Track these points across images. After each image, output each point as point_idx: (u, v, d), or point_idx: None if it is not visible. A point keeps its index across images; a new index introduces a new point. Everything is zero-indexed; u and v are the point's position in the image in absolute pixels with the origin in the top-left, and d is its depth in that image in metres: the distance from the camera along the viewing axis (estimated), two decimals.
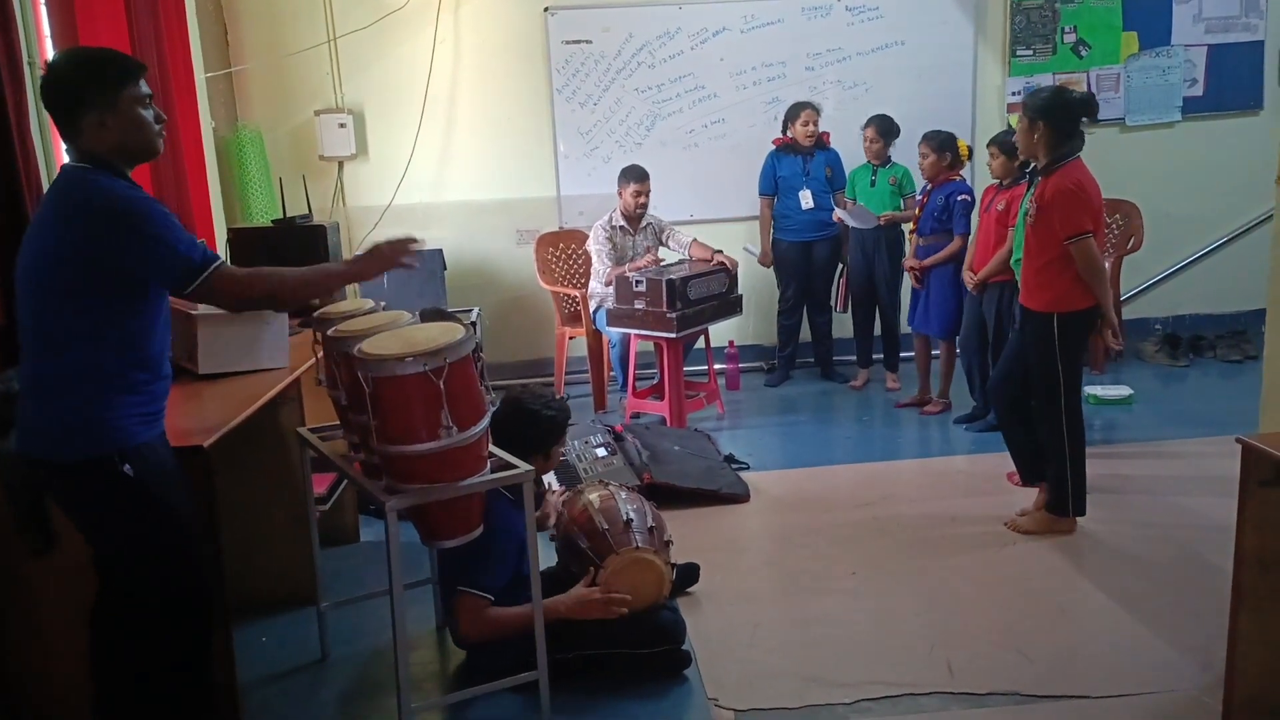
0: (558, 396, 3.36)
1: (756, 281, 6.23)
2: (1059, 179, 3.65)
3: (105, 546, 2.40)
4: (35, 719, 2.75)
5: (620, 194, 5.66)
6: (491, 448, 2.76)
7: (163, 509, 2.36)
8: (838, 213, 5.78)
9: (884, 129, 5.65)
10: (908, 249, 5.58)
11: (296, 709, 2.99)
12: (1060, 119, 3.65)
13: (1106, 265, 3.68)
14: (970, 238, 5.13)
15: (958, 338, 5.26)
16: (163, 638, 2.40)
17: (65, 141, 2.34)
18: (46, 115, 3.41)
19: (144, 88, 2.33)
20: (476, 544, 2.75)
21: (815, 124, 5.85)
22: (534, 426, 3.13)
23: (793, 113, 5.88)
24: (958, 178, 5.32)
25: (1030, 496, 4.08)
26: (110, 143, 2.28)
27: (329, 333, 2.77)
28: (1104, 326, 3.80)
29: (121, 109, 2.28)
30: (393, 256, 2.56)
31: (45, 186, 3.27)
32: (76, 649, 2.66)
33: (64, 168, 2.36)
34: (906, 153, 5.71)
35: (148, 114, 2.32)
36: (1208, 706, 2.72)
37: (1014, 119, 4.83)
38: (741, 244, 6.10)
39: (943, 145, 5.22)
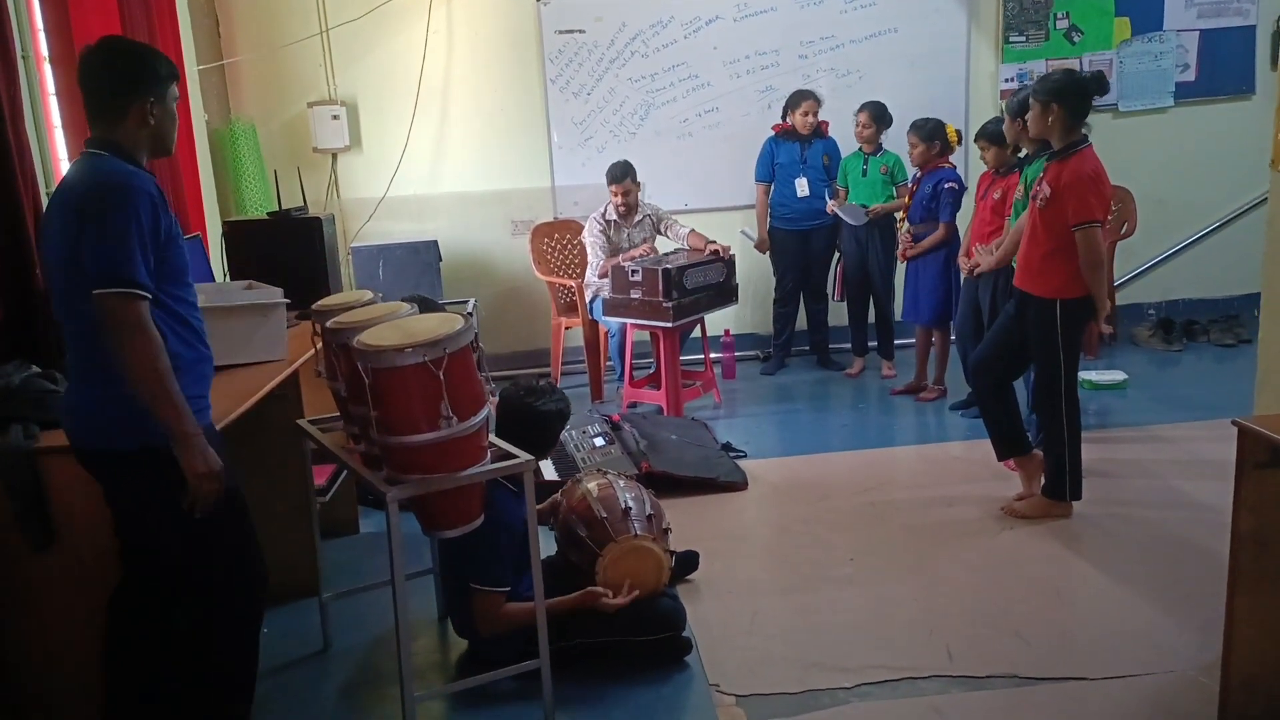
0: (548, 382, 3.34)
1: (752, 270, 6.24)
2: (1077, 164, 3.64)
3: (156, 537, 2.39)
4: (39, 714, 2.75)
5: (608, 191, 5.68)
6: (491, 437, 2.77)
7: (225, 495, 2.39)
8: (830, 205, 5.79)
9: (877, 114, 5.67)
10: (900, 237, 5.60)
11: (300, 699, 3.00)
12: (1075, 100, 3.64)
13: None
14: (965, 224, 5.15)
15: (953, 324, 5.28)
16: (207, 627, 2.42)
17: (97, 125, 2.36)
18: (41, 109, 3.45)
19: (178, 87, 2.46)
20: (483, 538, 2.76)
21: (815, 115, 5.85)
22: (540, 426, 3.12)
23: (794, 101, 5.87)
24: (947, 165, 5.34)
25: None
26: (147, 133, 2.37)
27: (328, 324, 2.77)
28: (1097, 315, 3.80)
29: (168, 103, 2.39)
30: (199, 478, 2.32)
31: (40, 180, 3.27)
32: (80, 644, 2.67)
33: (84, 154, 2.38)
34: (898, 141, 5.73)
35: (175, 110, 2.45)
36: (1204, 687, 2.75)
37: (1004, 105, 4.81)
38: (737, 230, 6.10)
39: (931, 134, 5.24)
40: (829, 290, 6.11)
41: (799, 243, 6.01)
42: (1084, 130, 3.71)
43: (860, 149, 5.79)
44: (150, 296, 2.25)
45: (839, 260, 6.02)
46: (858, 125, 5.71)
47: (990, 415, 4.10)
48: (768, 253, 6.11)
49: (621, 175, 5.59)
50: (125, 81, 2.34)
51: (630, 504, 3.22)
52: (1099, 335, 6.01)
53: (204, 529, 2.37)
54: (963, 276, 4.96)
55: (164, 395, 2.26)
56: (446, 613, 3.28)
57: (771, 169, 5.97)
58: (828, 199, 5.83)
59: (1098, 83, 3.71)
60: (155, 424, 2.29)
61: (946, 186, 5.23)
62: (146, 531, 2.41)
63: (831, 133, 6.02)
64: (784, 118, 5.94)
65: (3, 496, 2.57)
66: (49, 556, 2.61)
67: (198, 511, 2.32)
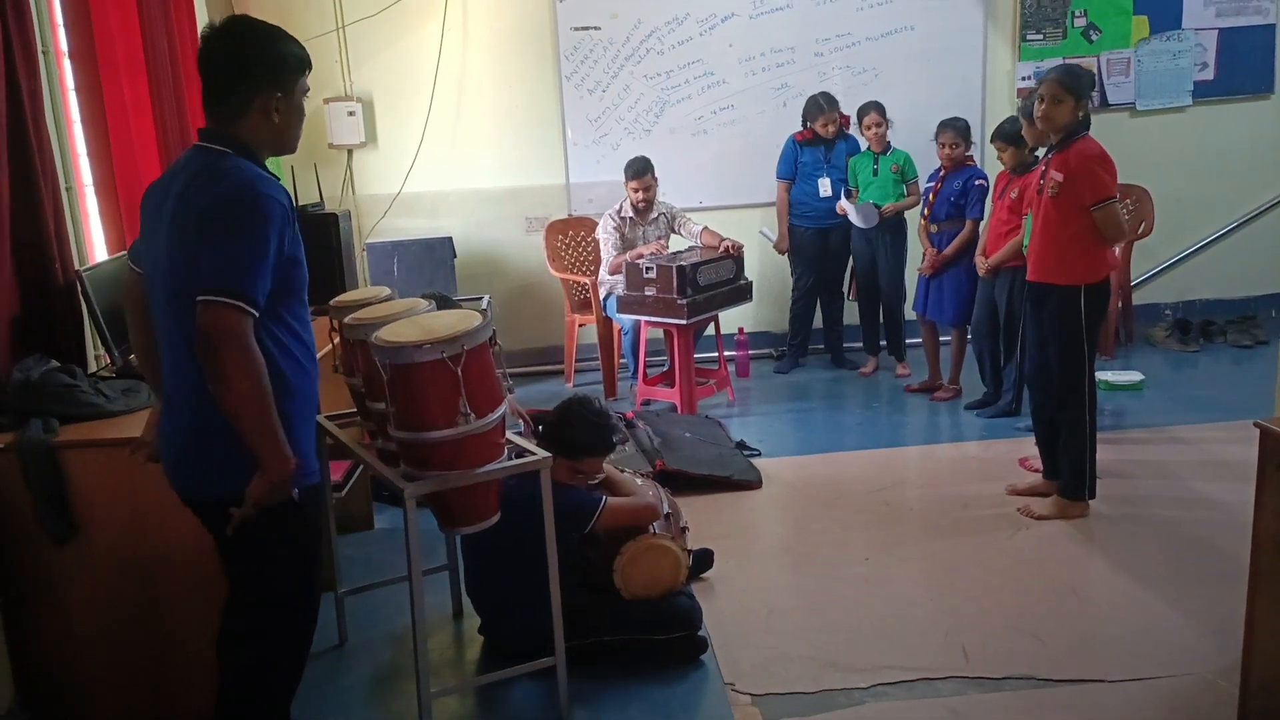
0: (617, 419, 3.31)
1: (766, 268, 6.23)
2: (1082, 147, 3.68)
3: (266, 583, 2.22)
4: (61, 705, 2.77)
5: (625, 188, 5.66)
6: (510, 435, 2.77)
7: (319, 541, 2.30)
8: (841, 204, 5.76)
9: (884, 112, 5.65)
10: (914, 236, 5.58)
11: (316, 694, 2.99)
12: (1088, 95, 3.76)
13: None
14: (983, 224, 5.14)
15: (969, 324, 5.26)
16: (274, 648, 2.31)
17: (214, 117, 2.13)
18: (60, 104, 3.46)
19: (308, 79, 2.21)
20: (555, 506, 2.77)
21: (836, 123, 5.84)
22: (571, 428, 3.12)
23: (811, 114, 5.84)
24: (972, 162, 5.32)
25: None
26: (270, 130, 2.14)
27: (347, 320, 2.78)
28: None
29: (295, 97, 2.16)
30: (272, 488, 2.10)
31: (60, 174, 3.27)
32: (101, 636, 2.69)
33: (201, 148, 2.14)
34: (905, 138, 5.72)
35: (304, 105, 2.21)
36: (1223, 690, 2.73)
37: (1019, 109, 4.80)
38: (754, 229, 6.08)
39: (967, 132, 5.24)
40: (845, 289, 6.10)
41: (818, 241, 5.99)
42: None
43: (869, 148, 5.76)
44: (256, 315, 2.02)
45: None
46: (870, 125, 5.67)
47: (1044, 430, 4.03)
48: (787, 252, 6.08)
49: (643, 170, 5.58)
50: (249, 73, 2.09)
51: None
52: (1115, 332, 6.01)
53: (299, 586, 2.27)
54: (980, 276, 4.96)
55: (264, 418, 2.02)
56: (473, 602, 3.24)
57: (794, 167, 5.95)
58: (843, 199, 5.80)
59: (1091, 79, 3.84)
60: (301, 465, 2.11)
61: (977, 184, 5.21)
62: (268, 578, 2.23)
63: (849, 128, 6.00)
64: (804, 125, 5.92)
65: (23, 490, 2.59)
66: (70, 549, 2.63)
67: (239, 518, 2.07)
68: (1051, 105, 3.71)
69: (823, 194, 5.88)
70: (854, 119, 5.81)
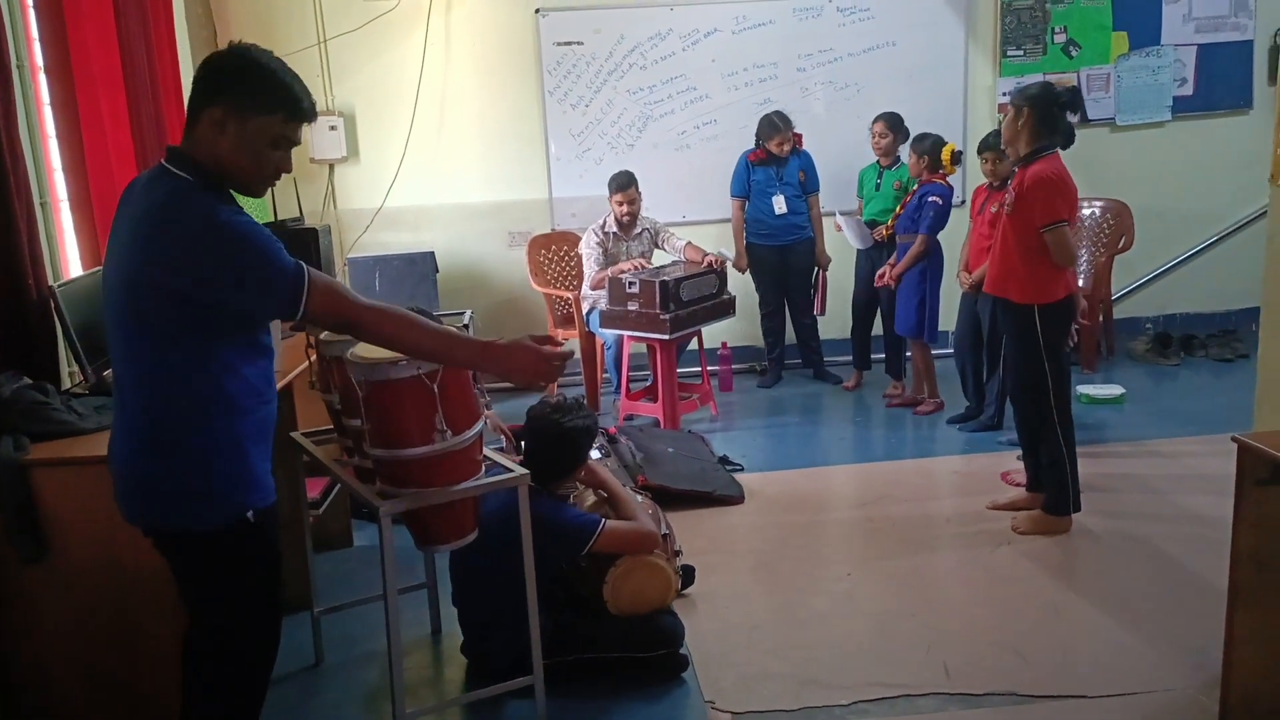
0: (572, 399, 3.28)
1: (749, 283, 6.22)
2: (1040, 167, 3.67)
3: (225, 606, 2.18)
4: None
5: (609, 202, 5.66)
6: (490, 453, 2.75)
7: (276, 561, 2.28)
8: (837, 220, 5.77)
9: (893, 124, 5.61)
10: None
11: (292, 715, 2.97)
12: (1045, 109, 3.68)
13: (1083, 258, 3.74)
14: (960, 241, 5.15)
15: (953, 336, 5.28)
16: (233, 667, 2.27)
17: (185, 133, 2.06)
18: (35, 119, 3.44)
19: (292, 131, 2.06)
20: (552, 526, 2.84)
21: (790, 142, 5.84)
22: (569, 446, 3.10)
23: (766, 134, 5.83)
24: (939, 180, 5.32)
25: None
26: (216, 151, 2.01)
27: (323, 336, 2.75)
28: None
29: (249, 130, 2.00)
30: (537, 370, 2.31)
31: (34, 191, 3.24)
32: (72, 656, 2.65)
33: (161, 171, 2.04)
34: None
35: (272, 154, 2.06)
36: (1204, 705, 2.73)
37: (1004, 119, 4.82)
38: (719, 248, 6.07)
39: (925, 150, 5.24)
40: (813, 306, 6.07)
41: (777, 258, 5.99)
42: (1058, 142, 3.73)
43: (878, 161, 5.76)
44: (306, 273, 2.02)
45: (818, 274, 6.01)
46: (875, 135, 5.66)
47: (1030, 445, 4.03)
48: (747, 270, 6.05)
49: (627, 184, 5.57)
50: (210, 85, 2.00)
51: None
52: (1095, 346, 6.02)
53: (261, 608, 2.26)
54: (962, 291, 4.97)
55: (438, 333, 2.23)
56: (460, 619, 3.21)
57: (747, 185, 5.96)
58: (838, 216, 5.79)
59: (1070, 98, 3.75)
60: (250, 488, 2.13)
61: (930, 200, 5.24)
62: (207, 601, 2.21)
63: (831, 146, 6.02)
64: (758, 144, 5.92)
65: None
66: (40, 568, 2.60)
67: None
68: (1007, 117, 3.76)
69: (778, 211, 5.88)
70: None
